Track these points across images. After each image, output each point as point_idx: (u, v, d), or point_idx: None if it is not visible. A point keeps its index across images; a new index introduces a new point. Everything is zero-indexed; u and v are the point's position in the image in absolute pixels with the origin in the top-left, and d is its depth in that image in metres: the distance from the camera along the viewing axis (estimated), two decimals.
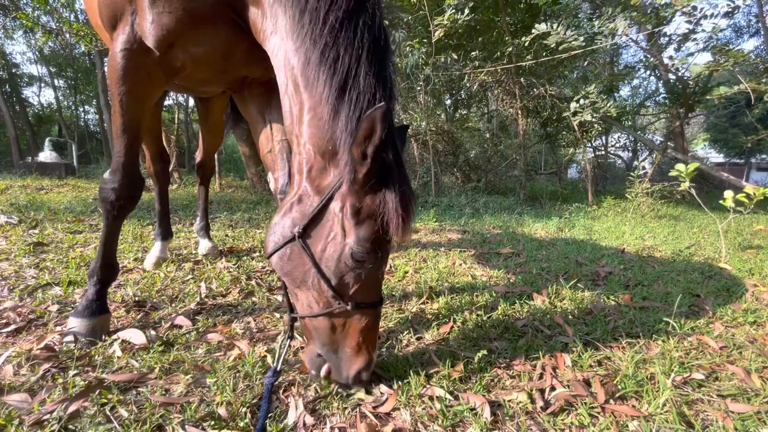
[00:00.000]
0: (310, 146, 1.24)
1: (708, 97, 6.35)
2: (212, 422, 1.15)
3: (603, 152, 14.38)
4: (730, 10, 5.97)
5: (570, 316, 2.04)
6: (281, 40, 1.30)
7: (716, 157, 22.89)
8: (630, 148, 16.21)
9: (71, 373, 1.36)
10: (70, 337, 1.58)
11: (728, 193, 3.57)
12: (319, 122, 1.21)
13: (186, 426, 1.13)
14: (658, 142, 11.71)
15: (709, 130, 20.87)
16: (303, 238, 1.24)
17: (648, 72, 13.30)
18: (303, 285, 1.28)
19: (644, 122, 16.16)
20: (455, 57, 7.58)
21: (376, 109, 1.05)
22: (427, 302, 2.19)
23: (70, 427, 1.12)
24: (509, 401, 1.31)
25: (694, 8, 5.47)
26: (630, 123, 12.26)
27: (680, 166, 3.69)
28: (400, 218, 1.14)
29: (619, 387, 1.40)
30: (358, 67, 1.17)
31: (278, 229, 1.29)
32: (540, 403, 1.30)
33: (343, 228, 1.20)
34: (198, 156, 3.19)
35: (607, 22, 5.34)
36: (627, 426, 1.21)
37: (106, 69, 1.65)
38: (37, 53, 16.76)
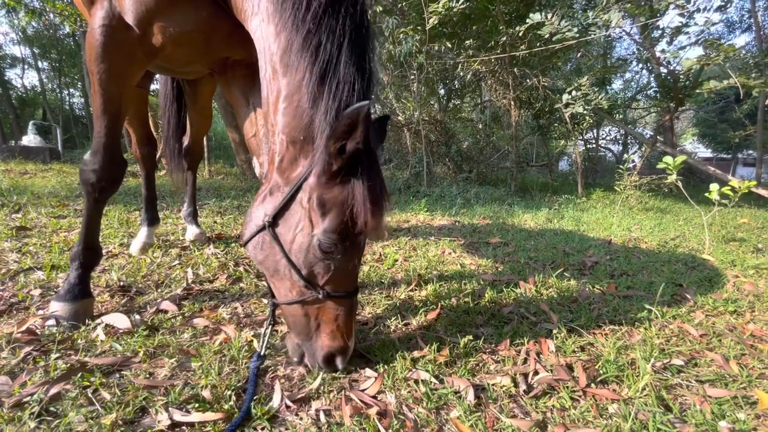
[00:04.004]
0: (283, 136, 1.22)
1: (698, 91, 6.39)
2: (196, 404, 1.15)
3: (594, 145, 14.48)
4: (723, 4, 5.99)
5: (555, 304, 2.07)
6: (262, 21, 1.27)
7: (704, 152, 23.22)
8: (620, 142, 16.34)
9: (53, 356, 1.34)
10: (51, 321, 1.55)
11: (713, 187, 3.62)
12: (296, 111, 1.18)
13: (170, 408, 1.12)
14: (648, 135, 11.81)
15: (698, 125, 21.15)
16: (273, 228, 1.24)
17: (640, 65, 13.35)
18: (276, 274, 1.29)
19: (635, 116, 16.28)
20: (449, 45, 7.51)
21: (359, 107, 1.04)
22: (416, 289, 2.20)
23: (51, 409, 1.11)
24: (493, 385, 1.33)
25: (688, 1, 5.48)
26: (621, 116, 12.34)
27: (668, 159, 3.72)
28: (368, 211, 1.13)
29: (601, 372, 1.43)
30: (339, 55, 1.14)
31: (252, 218, 1.30)
32: (523, 387, 1.32)
33: (310, 219, 1.19)
34: (185, 141, 3.13)
35: (601, 13, 5.32)
36: (606, 408, 1.24)
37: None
38: (20, 33, 16.23)
